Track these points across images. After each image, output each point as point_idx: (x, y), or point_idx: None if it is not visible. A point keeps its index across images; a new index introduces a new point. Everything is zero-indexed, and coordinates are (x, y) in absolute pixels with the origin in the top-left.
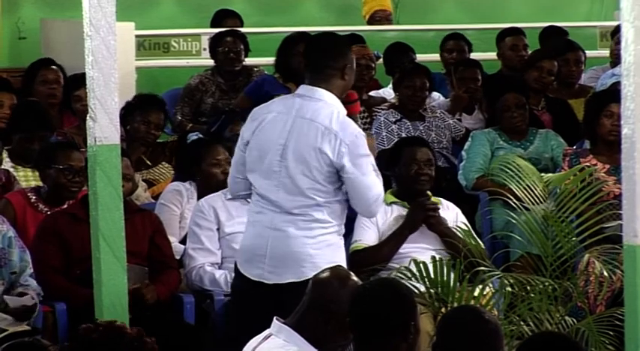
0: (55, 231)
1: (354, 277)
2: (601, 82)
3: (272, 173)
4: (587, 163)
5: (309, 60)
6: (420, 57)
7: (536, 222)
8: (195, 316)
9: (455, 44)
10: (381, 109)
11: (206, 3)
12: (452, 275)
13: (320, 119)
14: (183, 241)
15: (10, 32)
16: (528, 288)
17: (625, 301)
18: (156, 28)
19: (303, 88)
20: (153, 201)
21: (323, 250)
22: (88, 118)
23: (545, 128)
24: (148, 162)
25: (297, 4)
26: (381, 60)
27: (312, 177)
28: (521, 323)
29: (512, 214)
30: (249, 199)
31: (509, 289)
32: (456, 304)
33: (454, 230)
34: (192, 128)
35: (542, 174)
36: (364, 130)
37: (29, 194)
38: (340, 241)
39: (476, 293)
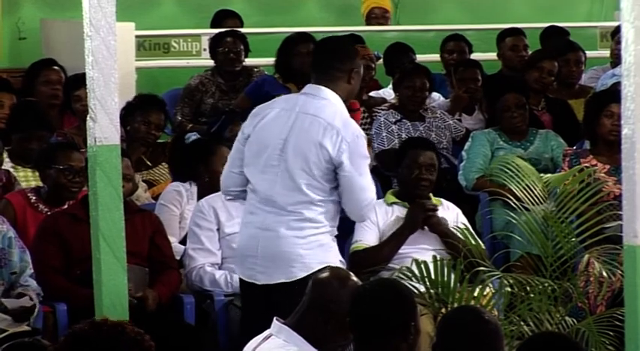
0: (55, 231)
1: (354, 277)
2: (601, 82)
3: (270, 168)
4: (587, 164)
5: (317, 60)
6: (420, 57)
7: (536, 222)
8: (195, 316)
9: (455, 45)
10: (381, 109)
11: (206, 3)
12: (452, 276)
13: (323, 115)
14: (183, 242)
15: (10, 32)
16: (528, 288)
17: (625, 301)
18: (156, 29)
19: (309, 87)
20: (153, 201)
21: (314, 251)
22: (88, 118)
23: (545, 128)
24: (148, 162)
25: (298, 4)
26: (381, 60)
27: (309, 172)
28: (522, 323)
29: (512, 214)
30: (241, 199)
31: (509, 289)
32: (456, 305)
33: (454, 230)
34: (192, 128)
35: (542, 174)
36: (364, 130)
37: (29, 194)
38: (332, 242)
39: (476, 293)
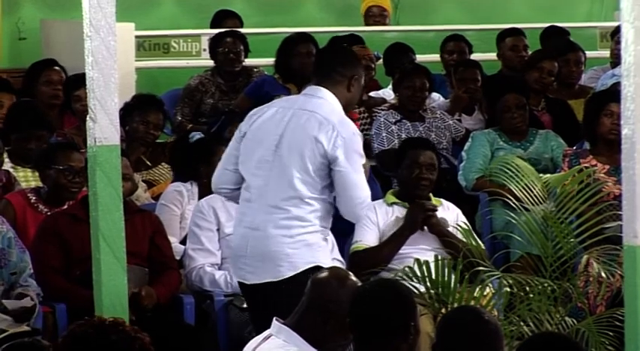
0: (55, 231)
1: (353, 277)
2: (601, 82)
3: (264, 163)
4: (587, 164)
5: (319, 64)
6: (419, 57)
7: (536, 222)
8: (195, 316)
9: (455, 45)
10: (381, 109)
11: (206, 3)
12: (452, 276)
13: (320, 111)
14: (183, 242)
15: (10, 33)
16: (528, 288)
17: (625, 301)
18: (156, 29)
19: (308, 88)
20: (153, 201)
21: (301, 250)
22: (87, 118)
23: (545, 129)
24: (148, 162)
25: (297, 4)
26: (380, 60)
27: (303, 167)
28: (521, 324)
29: (512, 214)
30: (233, 199)
31: (508, 289)
32: (456, 305)
33: (454, 231)
34: (192, 129)
35: (542, 174)
36: (364, 130)
37: (29, 195)
38: (322, 242)
39: (476, 294)
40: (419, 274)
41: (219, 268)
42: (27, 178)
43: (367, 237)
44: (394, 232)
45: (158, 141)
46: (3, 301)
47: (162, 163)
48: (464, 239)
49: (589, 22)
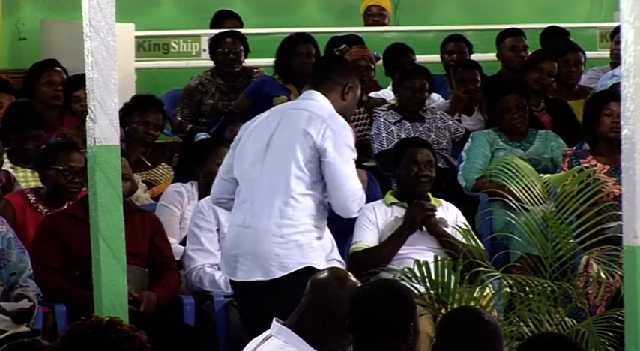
0: (54, 232)
1: (353, 278)
2: (601, 82)
3: (256, 162)
4: (587, 164)
5: (315, 70)
6: (419, 58)
7: (535, 223)
8: (195, 317)
9: (455, 46)
10: (381, 110)
11: (206, 4)
12: (452, 276)
13: (310, 108)
14: (183, 243)
15: (10, 33)
16: (528, 289)
17: (625, 302)
18: (155, 29)
19: (304, 93)
20: (153, 202)
21: (292, 251)
22: (87, 119)
23: (544, 129)
24: (148, 163)
25: (297, 5)
26: (380, 61)
27: (294, 159)
28: (521, 324)
29: (512, 215)
30: (228, 207)
31: (508, 290)
32: (455, 305)
33: (453, 231)
34: (192, 129)
35: (542, 175)
36: (364, 131)
37: (29, 195)
38: (315, 243)
39: (476, 294)
40: (419, 274)
41: (219, 269)
42: (27, 179)
43: (367, 237)
44: (393, 232)
45: (158, 141)
46: (1, 303)
47: (162, 164)
48: (463, 240)
49: (589, 23)
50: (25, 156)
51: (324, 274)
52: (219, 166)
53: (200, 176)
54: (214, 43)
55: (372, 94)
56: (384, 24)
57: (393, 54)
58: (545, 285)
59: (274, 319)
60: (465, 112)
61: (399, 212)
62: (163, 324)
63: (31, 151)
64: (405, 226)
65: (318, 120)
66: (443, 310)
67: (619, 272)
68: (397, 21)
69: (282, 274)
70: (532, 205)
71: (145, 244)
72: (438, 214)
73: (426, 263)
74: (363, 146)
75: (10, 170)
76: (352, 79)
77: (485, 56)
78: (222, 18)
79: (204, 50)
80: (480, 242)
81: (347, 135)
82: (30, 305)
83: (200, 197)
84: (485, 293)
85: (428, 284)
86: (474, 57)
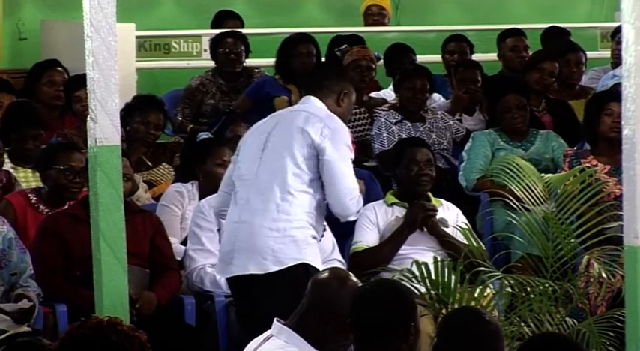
0: (55, 232)
1: (354, 278)
2: (602, 83)
3: (253, 161)
4: (588, 164)
5: (311, 77)
6: (420, 58)
7: (536, 223)
8: (195, 317)
9: (456, 46)
10: (382, 110)
11: (206, 4)
12: (452, 276)
13: (307, 109)
14: (184, 243)
15: (10, 33)
16: (529, 289)
17: (626, 302)
18: (156, 29)
19: (301, 99)
20: (153, 202)
21: (287, 246)
22: (88, 119)
23: (545, 129)
24: (149, 163)
25: (298, 5)
26: (381, 61)
27: (291, 156)
28: (522, 324)
29: (512, 215)
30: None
31: (509, 290)
32: (456, 305)
33: (453, 231)
34: (192, 129)
35: (543, 175)
36: (365, 131)
37: (30, 195)
38: (310, 240)
39: (476, 294)
40: (419, 274)
41: None
42: (27, 179)
43: (367, 237)
44: (394, 232)
45: (159, 141)
46: (1, 305)
47: (163, 164)
48: (464, 240)
49: (589, 23)
50: (26, 156)
51: (325, 274)
52: (219, 166)
53: (200, 176)
54: (215, 43)
55: (372, 94)
56: (384, 24)
57: (393, 54)
58: (546, 285)
59: (275, 319)
60: (465, 112)
61: (399, 212)
62: (164, 324)
63: (31, 151)
64: (406, 225)
65: (316, 119)
66: (444, 311)
67: (620, 272)
68: (398, 21)
69: (277, 268)
70: (533, 205)
71: (146, 244)
72: (439, 214)
73: (426, 263)
74: (363, 146)
75: (11, 170)
76: (347, 85)
77: (486, 56)
78: (223, 18)
79: (205, 50)
80: (480, 242)
81: (345, 134)
82: (30, 305)
83: (201, 197)
84: (485, 293)
85: (428, 284)
86: (475, 57)
